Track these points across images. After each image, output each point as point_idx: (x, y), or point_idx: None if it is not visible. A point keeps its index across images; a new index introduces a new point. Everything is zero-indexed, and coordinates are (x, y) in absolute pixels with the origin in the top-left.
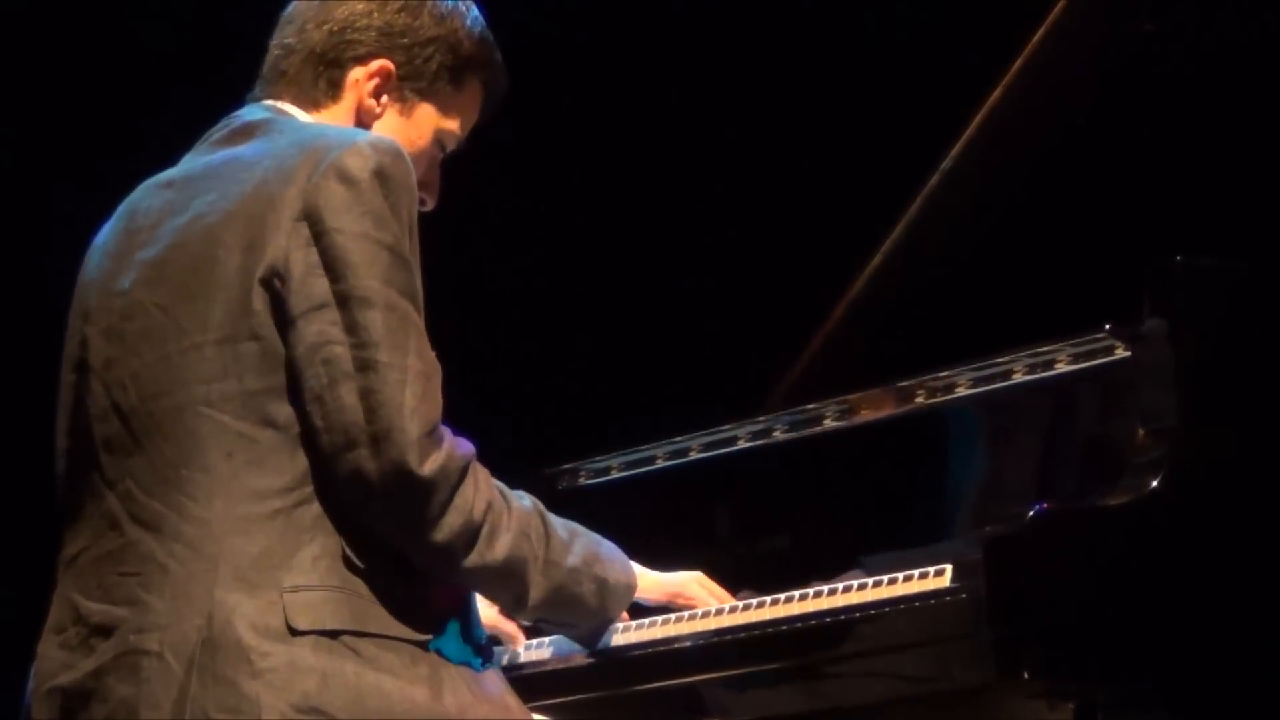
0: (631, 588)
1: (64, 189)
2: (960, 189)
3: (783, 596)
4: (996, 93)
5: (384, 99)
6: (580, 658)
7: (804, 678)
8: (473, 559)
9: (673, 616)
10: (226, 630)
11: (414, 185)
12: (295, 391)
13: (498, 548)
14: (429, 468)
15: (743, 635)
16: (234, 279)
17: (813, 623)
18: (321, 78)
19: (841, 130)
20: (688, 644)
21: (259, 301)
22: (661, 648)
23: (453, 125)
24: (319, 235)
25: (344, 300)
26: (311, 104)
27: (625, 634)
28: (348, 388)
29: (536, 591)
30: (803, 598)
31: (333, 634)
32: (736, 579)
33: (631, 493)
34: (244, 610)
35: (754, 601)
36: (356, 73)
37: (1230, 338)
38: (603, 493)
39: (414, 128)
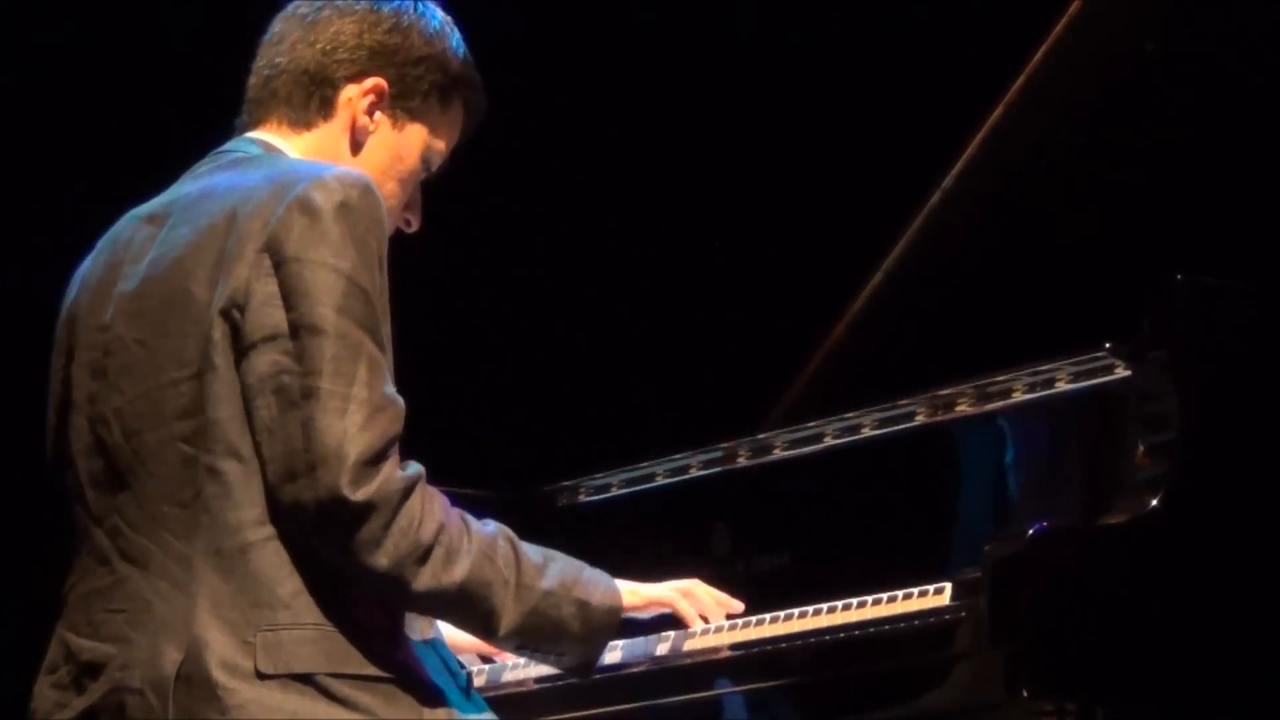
0: (616, 609)
1: (54, 210)
2: (961, 207)
3: (781, 614)
4: (998, 111)
5: (377, 116)
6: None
7: (799, 696)
8: (426, 582)
9: (669, 635)
10: (199, 667)
11: (383, 218)
12: (250, 422)
13: (455, 570)
14: (362, 493)
15: (739, 653)
16: (203, 313)
17: (810, 640)
18: (314, 96)
19: (843, 148)
20: (680, 662)
21: (218, 332)
22: (654, 666)
23: (440, 144)
24: (278, 265)
25: (296, 329)
26: (304, 124)
27: (614, 652)
28: (292, 416)
29: (509, 616)
30: (801, 615)
31: (303, 677)
32: (734, 596)
33: (631, 510)
34: (216, 648)
35: (751, 619)
36: (350, 90)
37: (1230, 356)
38: (602, 510)
39: (405, 144)
